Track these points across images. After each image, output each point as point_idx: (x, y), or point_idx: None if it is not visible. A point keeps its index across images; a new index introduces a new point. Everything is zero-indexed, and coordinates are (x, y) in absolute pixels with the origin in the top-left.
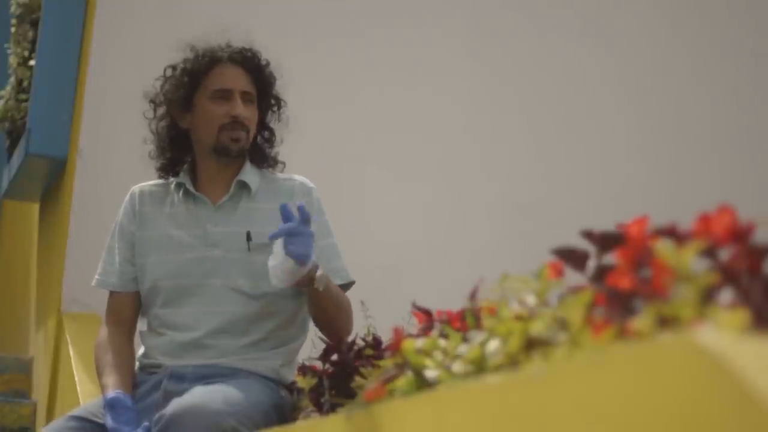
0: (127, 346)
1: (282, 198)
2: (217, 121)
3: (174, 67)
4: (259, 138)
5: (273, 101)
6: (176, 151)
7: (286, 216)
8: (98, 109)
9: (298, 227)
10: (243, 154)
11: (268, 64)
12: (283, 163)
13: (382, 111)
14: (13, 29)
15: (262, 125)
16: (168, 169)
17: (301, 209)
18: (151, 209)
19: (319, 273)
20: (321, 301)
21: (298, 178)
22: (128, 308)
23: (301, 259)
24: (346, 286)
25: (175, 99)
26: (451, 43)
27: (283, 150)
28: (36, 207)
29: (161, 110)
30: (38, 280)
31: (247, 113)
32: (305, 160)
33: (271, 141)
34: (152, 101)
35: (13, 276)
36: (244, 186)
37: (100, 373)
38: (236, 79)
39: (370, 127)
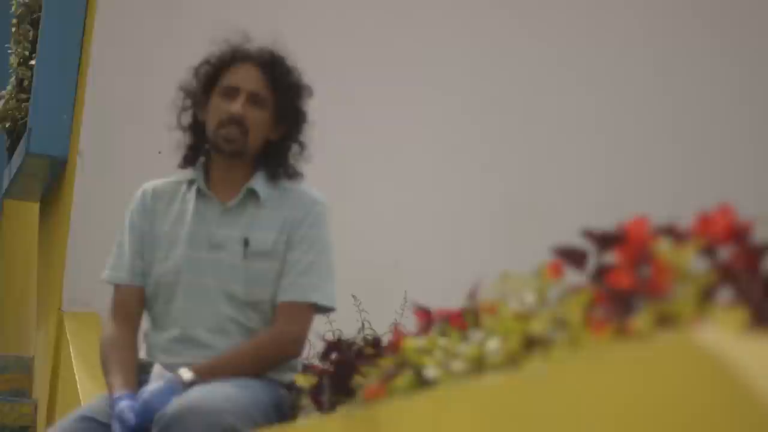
0: (135, 344)
1: (287, 207)
2: (218, 116)
3: (205, 61)
4: (273, 147)
5: (292, 112)
6: (196, 144)
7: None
8: (99, 109)
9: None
10: (240, 155)
11: (291, 72)
12: (302, 175)
13: (382, 110)
14: (13, 29)
15: (281, 135)
16: (189, 160)
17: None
18: (162, 206)
19: (189, 378)
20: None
21: (311, 191)
22: (136, 303)
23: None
24: (312, 306)
25: (197, 90)
26: (452, 42)
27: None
28: (36, 206)
29: (188, 101)
30: (39, 280)
31: (250, 113)
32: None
33: (284, 153)
34: (182, 90)
35: (13, 275)
36: (253, 193)
37: (107, 370)
38: (247, 79)
39: (369, 126)
